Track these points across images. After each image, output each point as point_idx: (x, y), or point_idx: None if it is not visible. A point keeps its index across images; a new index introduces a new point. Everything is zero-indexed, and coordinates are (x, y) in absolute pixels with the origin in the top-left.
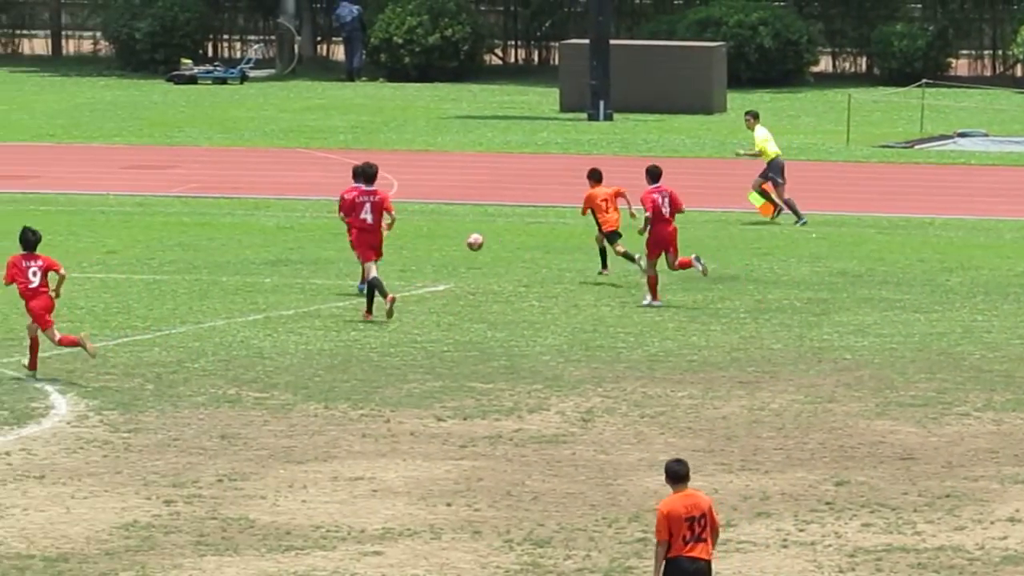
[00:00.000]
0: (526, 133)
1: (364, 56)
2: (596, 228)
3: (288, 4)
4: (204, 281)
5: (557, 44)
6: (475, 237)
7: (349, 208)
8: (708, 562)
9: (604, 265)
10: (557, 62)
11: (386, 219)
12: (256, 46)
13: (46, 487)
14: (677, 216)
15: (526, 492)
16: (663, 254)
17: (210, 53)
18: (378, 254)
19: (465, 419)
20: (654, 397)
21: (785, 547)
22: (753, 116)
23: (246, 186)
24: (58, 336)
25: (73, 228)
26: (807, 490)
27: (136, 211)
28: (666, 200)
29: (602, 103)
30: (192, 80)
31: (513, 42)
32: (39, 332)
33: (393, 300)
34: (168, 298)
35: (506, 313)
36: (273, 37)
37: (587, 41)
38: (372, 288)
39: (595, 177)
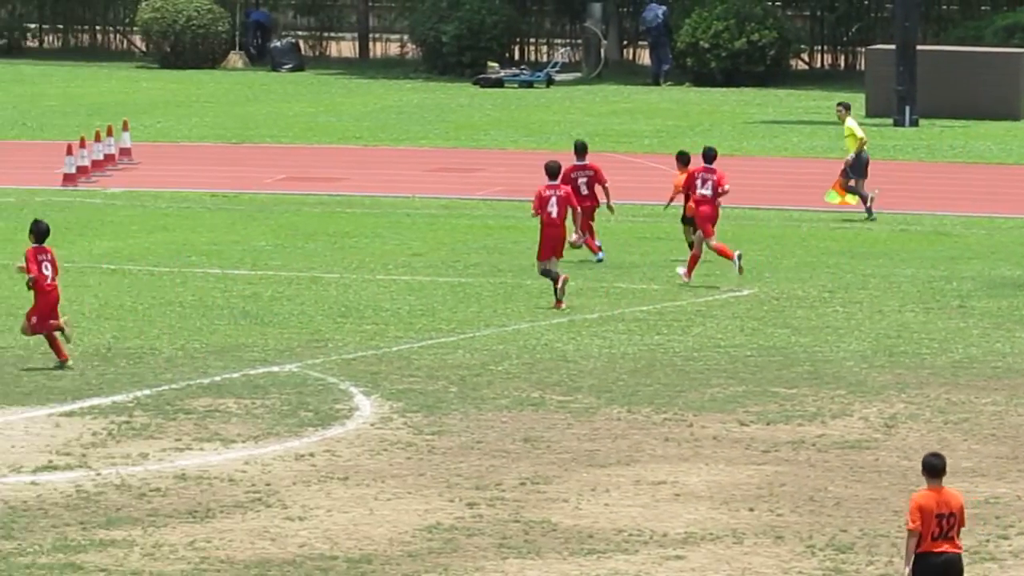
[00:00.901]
0: (831, 138)
1: (671, 60)
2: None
3: (595, 8)
4: (509, 284)
5: (863, 49)
6: (574, 238)
7: (541, 204)
8: (959, 554)
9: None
10: (863, 67)
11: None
12: (562, 50)
13: (350, 489)
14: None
15: (829, 497)
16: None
17: (516, 56)
18: (558, 253)
19: (768, 424)
20: (958, 403)
21: None
22: (845, 107)
23: None
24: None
25: (378, 230)
26: None
27: (441, 214)
28: (708, 182)
29: (908, 109)
30: (498, 83)
31: (819, 47)
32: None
33: (559, 306)
34: (473, 301)
35: (810, 318)
36: (579, 41)
37: (893, 46)
38: (549, 277)
39: (685, 161)
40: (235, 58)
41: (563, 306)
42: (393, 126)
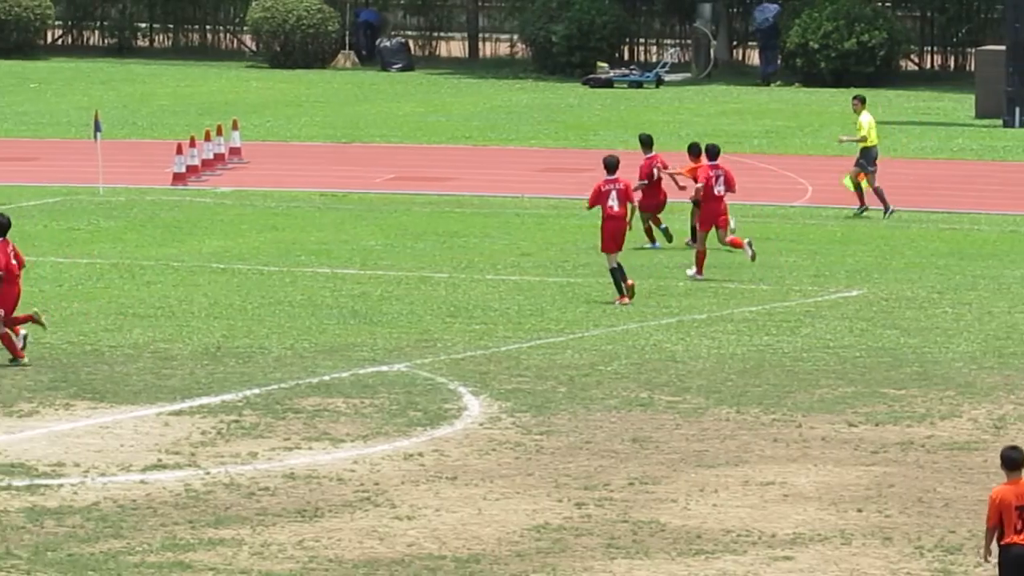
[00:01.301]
0: (941, 139)
1: (777, 63)
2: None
3: (704, 8)
4: None
5: (973, 50)
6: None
7: (597, 198)
8: None
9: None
10: (973, 68)
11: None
12: (672, 50)
13: (458, 488)
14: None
15: (937, 498)
16: (713, 230)
17: (626, 57)
18: (619, 246)
19: (877, 425)
20: None
21: None
22: (860, 101)
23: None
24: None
25: (488, 230)
26: None
27: (551, 214)
28: (720, 179)
29: (1018, 110)
30: (608, 83)
31: (929, 48)
32: None
33: (625, 302)
34: (581, 301)
35: (919, 319)
36: (689, 41)
37: (1003, 47)
38: (614, 277)
39: (696, 152)
40: (344, 58)
41: (627, 301)
42: (502, 126)
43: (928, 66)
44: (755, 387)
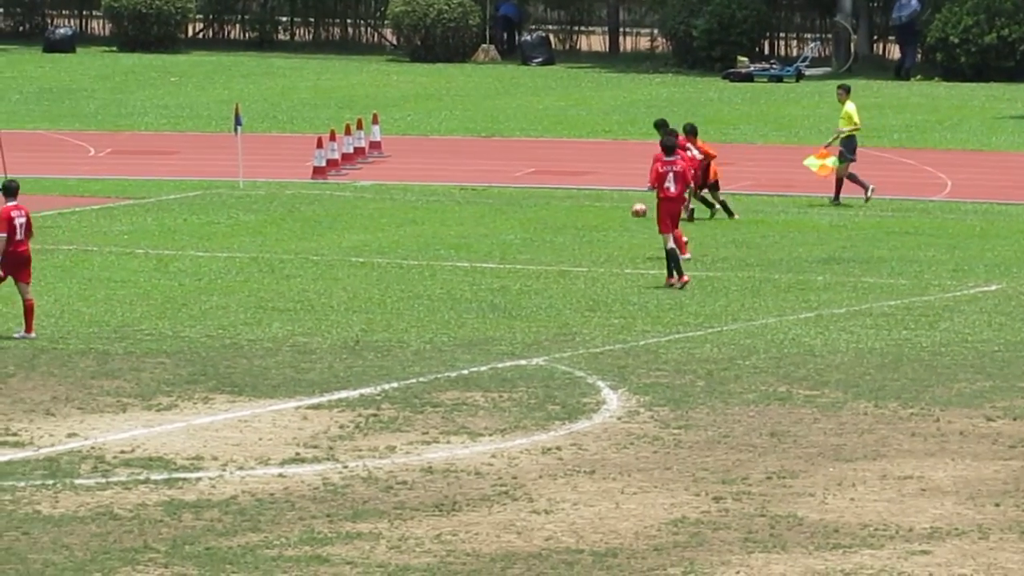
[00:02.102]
0: None
1: (913, 58)
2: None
3: (845, 2)
4: (756, 278)
5: None
6: (639, 206)
7: (657, 179)
8: None
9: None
10: None
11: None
12: (812, 44)
13: (596, 482)
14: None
15: None
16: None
17: (766, 51)
18: (675, 224)
19: (1015, 419)
20: None
21: None
22: (845, 90)
23: (800, 184)
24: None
25: (627, 224)
26: None
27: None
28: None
29: None
30: (748, 78)
31: None
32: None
33: (685, 283)
34: (721, 295)
35: None
36: (829, 35)
37: None
38: (670, 258)
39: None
40: (485, 52)
41: (681, 281)
42: (642, 120)
43: None
44: (893, 381)
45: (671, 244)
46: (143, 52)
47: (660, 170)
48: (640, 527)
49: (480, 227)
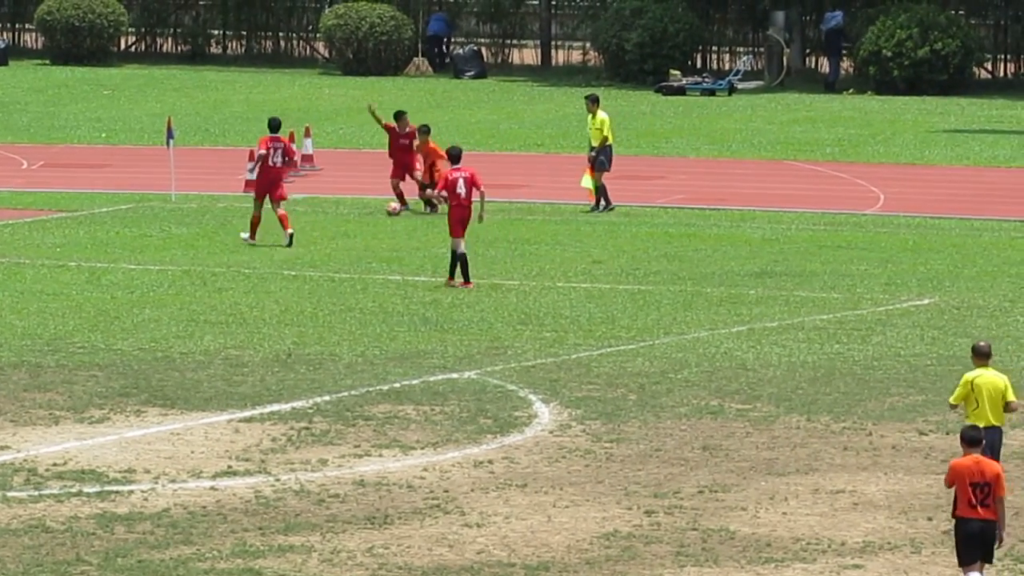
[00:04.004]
0: (1015, 147)
1: (845, 67)
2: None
3: (778, 16)
4: (688, 292)
5: None
6: (393, 206)
7: (446, 184)
8: (993, 522)
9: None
10: None
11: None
12: (745, 58)
13: (528, 496)
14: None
15: (1008, 508)
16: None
17: (699, 64)
18: (464, 231)
19: (947, 434)
20: None
21: None
22: (594, 101)
23: (732, 197)
24: None
25: (559, 238)
26: None
27: (622, 221)
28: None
29: None
30: (680, 91)
31: (1003, 56)
32: None
33: (458, 286)
34: (652, 308)
35: (991, 328)
36: (762, 49)
37: None
38: (457, 261)
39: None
40: (417, 65)
41: (464, 285)
42: (575, 133)
43: (1002, 74)
44: (826, 395)
45: (461, 248)
46: (76, 65)
47: (450, 177)
48: (572, 541)
49: (412, 240)
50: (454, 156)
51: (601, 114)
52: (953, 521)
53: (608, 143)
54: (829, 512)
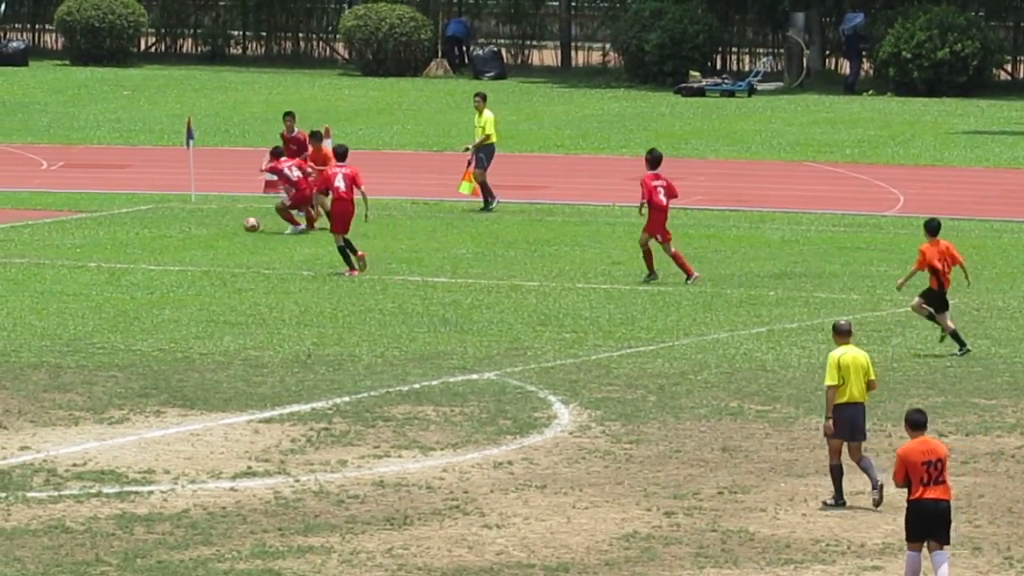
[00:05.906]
0: None
1: (865, 69)
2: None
3: (798, 17)
4: (708, 293)
5: None
6: (251, 221)
7: (326, 181)
8: (948, 502)
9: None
10: None
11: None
12: (765, 59)
13: (547, 497)
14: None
15: (1003, 503)
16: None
17: (718, 66)
18: (347, 228)
19: (967, 435)
20: None
21: None
22: (482, 98)
23: (752, 198)
24: None
25: (579, 239)
26: None
27: (641, 223)
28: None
29: None
30: (700, 92)
31: (1022, 57)
32: None
33: (355, 275)
34: (672, 310)
35: (1010, 329)
36: (782, 50)
37: None
38: (344, 253)
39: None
40: (437, 66)
41: (356, 273)
42: (594, 135)
43: (1021, 76)
44: None
45: (341, 242)
46: (95, 66)
47: (331, 172)
48: (591, 542)
49: (432, 241)
50: (340, 154)
51: (487, 113)
52: (906, 504)
53: (490, 141)
54: (848, 513)
